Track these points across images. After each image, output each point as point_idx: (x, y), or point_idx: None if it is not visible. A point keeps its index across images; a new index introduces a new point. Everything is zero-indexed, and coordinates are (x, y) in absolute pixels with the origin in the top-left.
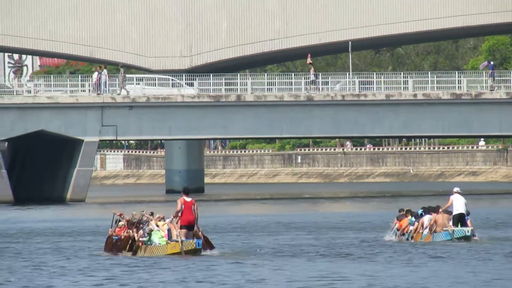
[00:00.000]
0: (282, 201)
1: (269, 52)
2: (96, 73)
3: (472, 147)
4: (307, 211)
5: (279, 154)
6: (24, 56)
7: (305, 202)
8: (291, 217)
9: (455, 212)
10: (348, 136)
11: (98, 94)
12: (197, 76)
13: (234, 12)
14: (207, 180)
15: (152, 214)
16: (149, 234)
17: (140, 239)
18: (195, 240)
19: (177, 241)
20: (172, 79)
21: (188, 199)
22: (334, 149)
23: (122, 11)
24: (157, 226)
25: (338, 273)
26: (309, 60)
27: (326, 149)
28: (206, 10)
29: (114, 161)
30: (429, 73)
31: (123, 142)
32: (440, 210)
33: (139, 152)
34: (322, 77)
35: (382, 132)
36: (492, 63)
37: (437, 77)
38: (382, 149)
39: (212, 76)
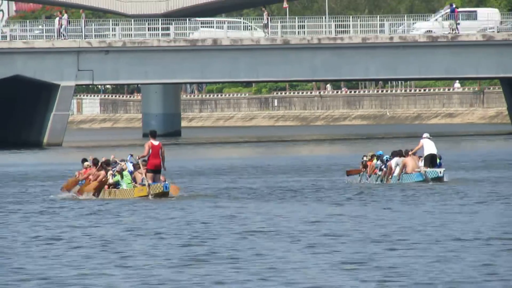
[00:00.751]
0: (258, 144)
1: None
2: (57, 19)
3: (449, 89)
4: (282, 154)
5: (255, 98)
6: None
7: (282, 145)
8: (265, 160)
9: (426, 153)
10: (325, 80)
11: (62, 39)
12: (173, 20)
13: None
14: (183, 123)
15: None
16: (120, 174)
17: (110, 181)
18: (163, 183)
19: (144, 185)
20: (244, 23)
21: (156, 143)
22: (311, 92)
23: None
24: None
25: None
26: (285, 4)
27: (302, 93)
28: None
29: (91, 106)
30: (405, 16)
31: (99, 86)
32: (410, 153)
33: (115, 96)
34: (298, 21)
35: (359, 75)
36: (454, 6)
37: (413, 20)
38: (359, 92)
39: (188, 20)
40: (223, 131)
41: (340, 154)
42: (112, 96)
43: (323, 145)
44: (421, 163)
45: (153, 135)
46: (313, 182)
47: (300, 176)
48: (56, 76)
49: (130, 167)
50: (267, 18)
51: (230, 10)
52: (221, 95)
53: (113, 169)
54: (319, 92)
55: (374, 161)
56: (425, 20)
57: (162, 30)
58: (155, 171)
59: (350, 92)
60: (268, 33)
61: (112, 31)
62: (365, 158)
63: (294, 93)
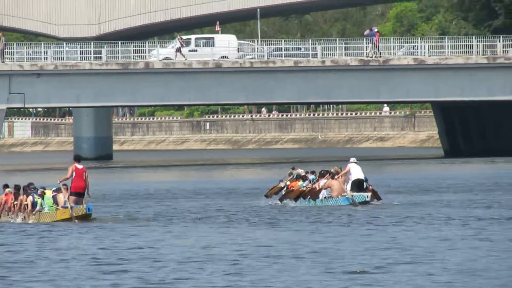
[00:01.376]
0: (190, 168)
1: (177, 20)
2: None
3: (380, 113)
4: (211, 178)
5: (187, 121)
6: None
7: (213, 168)
8: (192, 184)
9: (353, 177)
10: (257, 103)
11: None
12: (105, 43)
13: None
14: (115, 147)
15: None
16: (42, 197)
17: (35, 209)
18: (86, 205)
19: (67, 207)
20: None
21: (80, 166)
22: (243, 116)
23: None
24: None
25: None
26: (217, 27)
27: (234, 116)
28: None
29: (22, 129)
30: (337, 39)
31: (31, 109)
32: (336, 177)
33: (47, 119)
34: (229, 44)
35: (291, 99)
36: (375, 29)
37: (345, 44)
38: (290, 115)
39: (121, 43)
40: (155, 155)
41: (268, 177)
42: (43, 119)
43: (253, 168)
44: (348, 187)
45: (77, 159)
46: (231, 205)
47: (212, 199)
48: None
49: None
50: (181, 43)
51: (163, 33)
52: (153, 118)
53: (33, 193)
54: (251, 116)
55: (300, 182)
56: (357, 43)
57: (94, 53)
58: (79, 193)
59: (282, 115)
60: (185, 57)
61: (44, 54)
62: (290, 177)
63: (226, 116)
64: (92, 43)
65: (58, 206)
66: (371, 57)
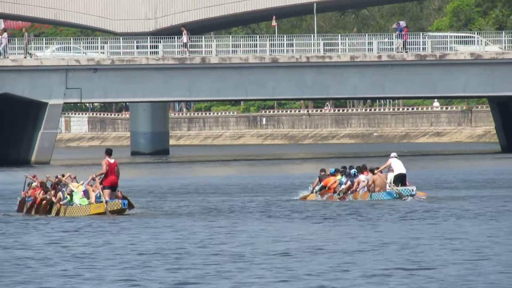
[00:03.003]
0: (246, 163)
1: (234, 14)
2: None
3: (431, 108)
4: (268, 173)
5: (244, 116)
6: None
7: (269, 163)
8: (251, 179)
9: (396, 172)
10: (313, 98)
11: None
12: (162, 38)
13: None
14: (172, 142)
15: (63, 175)
16: (70, 195)
17: (61, 202)
18: (121, 200)
19: (101, 202)
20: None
21: (111, 161)
22: (299, 111)
23: None
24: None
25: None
26: (273, 22)
27: (291, 111)
28: None
29: (79, 124)
30: (394, 34)
31: (87, 104)
32: (376, 171)
33: (103, 114)
34: (287, 39)
35: (347, 94)
36: (403, 24)
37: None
38: (347, 110)
39: (177, 38)
40: (211, 150)
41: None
42: (100, 114)
43: (310, 163)
44: (388, 181)
45: (109, 153)
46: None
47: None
48: (44, 94)
49: (72, 187)
50: (187, 38)
51: (219, 28)
52: (210, 114)
53: (63, 189)
54: (307, 111)
55: (338, 176)
56: (414, 38)
57: (150, 48)
58: (112, 187)
59: (338, 110)
60: (188, 53)
61: (101, 49)
62: (322, 173)
63: (282, 111)
64: (148, 38)
65: (90, 199)
66: (398, 52)
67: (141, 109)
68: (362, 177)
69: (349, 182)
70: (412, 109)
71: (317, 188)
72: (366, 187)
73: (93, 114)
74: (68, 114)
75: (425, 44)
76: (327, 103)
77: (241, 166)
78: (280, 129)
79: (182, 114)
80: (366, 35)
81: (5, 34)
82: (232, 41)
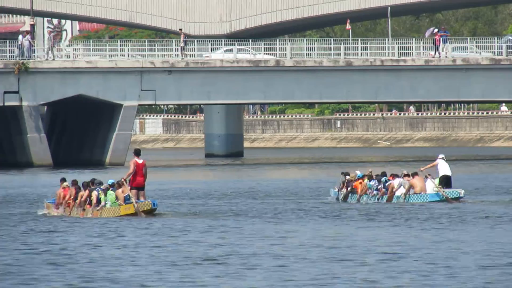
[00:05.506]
0: (320, 165)
1: (308, 18)
2: (20, 36)
3: (506, 112)
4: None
5: (318, 119)
6: (63, 21)
7: (344, 166)
8: (318, 182)
9: (441, 173)
10: (387, 102)
11: (23, 58)
12: (236, 41)
13: None
14: (246, 144)
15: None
16: (105, 193)
17: (95, 200)
18: (151, 200)
19: (131, 202)
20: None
21: (140, 161)
22: (374, 114)
23: None
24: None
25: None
26: (348, 26)
27: (365, 114)
28: None
29: (153, 125)
30: (469, 38)
31: (162, 106)
32: (422, 168)
33: (178, 116)
34: (361, 43)
35: (421, 97)
36: (435, 30)
37: (476, 43)
38: (422, 114)
39: (251, 41)
40: (286, 152)
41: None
42: (174, 116)
43: (383, 167)
44: (431, 183)
45: (138, 153)
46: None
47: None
48: (119, 96)
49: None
50: (183, 41)
51: (293, 31)
52: (284, 116)
53: (97, 188)
54: (382, 114)
55: (366, 180)
56: (488, 42)
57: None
58: (139, 188)
59: (413, 114)
60: (183, 56)
61: (175, 51)
62: (347, 177)
63: (356, 114)
64: (223, 40)
65: (119, 201)
66: (433, 57)
67: (216, 111)
68: (396, 182)
69: (382, 188)
70: (487, 113)
71: (344, 191)
72: (404, 191)
73: (167, 116)
74: (143, 116)
75: (500, 48)
76: (410, 106)
77: (315, 169)
78: (354, 132)
79: (257, 116)
80: (441, 39)
81: (29, 36)
82: (306, 44)
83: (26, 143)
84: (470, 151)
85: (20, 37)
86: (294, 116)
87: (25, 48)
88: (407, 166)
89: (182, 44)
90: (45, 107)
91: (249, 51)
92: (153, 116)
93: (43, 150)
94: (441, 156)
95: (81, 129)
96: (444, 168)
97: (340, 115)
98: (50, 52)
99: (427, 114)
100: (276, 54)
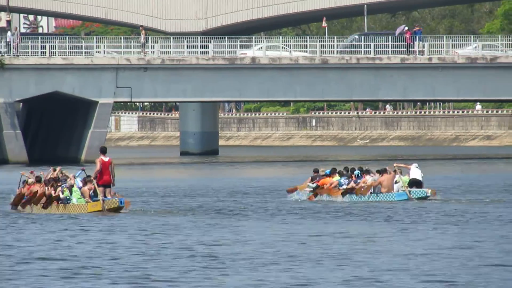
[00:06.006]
0: (295, 164)
1: (284, 15)
2: (9, 32)
3: (487, 111)
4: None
5: (293, 117)
6: (39, 17)
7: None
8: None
9: (412, 176)
10: (362, 100)
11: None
12: (212, 38)
13: None
14: (221, 142)
15: (54, 170)
16: (70, 189)
17: (61, 195)
18: (118, 198)
19: (97, 200)
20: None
21: (106, 159)
22: (349, 113)
23: None
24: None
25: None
26: (324, 23)
27: (340, 113)
28: None
29: (129, 123)
30: (445, 36)
31: (137, 104)
32: (395, 164)
33: (153, 114)
34: (337, 40)
35: (397, 96)
36: (406, 28)
37: (452, 41)
38: (397, 112)
39: (227, 38)
40: (261, 151)
41: None
42: (150, 113)
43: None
44: (399, 183)
45: (103, 151)
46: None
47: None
48: (95, 93)
49: (78, 183)
50: (144, 38)
51: (269, 29)
52: (259, 114)
53: (63, 185)
54: (357, 113)
55: (336, 177)
56: (464, 41)
57: (200, 48)
58: (106, 185)
59: (389, 112)
60: (144, 53)
61: (151, 48)
62: (315, 174)
63: (332, 113)
64: (198, 37)
65: (86, 198)
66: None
67: (191, 109)
68: (368, 178)
69: (352, 183)
70: (462, 112)
71: (311, 185)
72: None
73: (143, 113)
74: (118, 113)
75: (476, 48)
76: (387, 105)
77: (290, 167)
78: (329, 131)
79: (232, 114)
80: (417, 37)
81: (17, 32)
82: (282, 42)
83: (1, 140)
84: (445, 150)
85: (8, 33)
86: (269, 114)
87: (14, 44)
88: (383, 165)
89: (143, 41)
90: (21, 104)
91: (285, 48)
92: (129, 113)
93: (18, 147)
94: (415, 165)
95: (57, 126)
96: (415, 173)
97: (315, 113)
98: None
99: (402, 113)
100: (251, 51)
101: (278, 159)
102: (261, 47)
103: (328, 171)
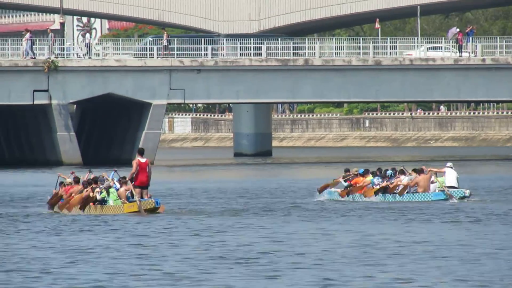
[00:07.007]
0: (349, 165)
1: (337, 16)
2: (87, 35)
3: None
4: None
5: (347, 118)
6: (92, 19)
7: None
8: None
9: (448, 184)
10: (416, 101)
11: (30, 58)
12: (265, 40)
13: None
14: (275, 143)
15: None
16: (107, 191)
17: (98, 196)
18: (154, 199)
19: (134, 201)
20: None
21: (143, 160)
22: (402, 114)
23: None
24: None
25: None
26: (377, 25)
27: (394, 114)
28: None
29: (182, 124)
30: (498, 38)
31: (191, 105)
32: (429, 169)
33: (207, 115)
34: (390, 42)
35: (450, 97)
36: (457, 30)
37: (506, 42)
38: (451, 113)
39: (280, 40)
40: (314, 152)
41: None
42: (203, 115)
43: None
44: (436, 183)
45: (141, 152)
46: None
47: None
48: (148, 95)
49: (116, 184)
50: (167, 40)
51: (322, 30)
52: (312, 115)
53: (101, 186)
54: (411, 113)
55: (369, 177)
56: None
57: (253, 49)
58: (142, 187)
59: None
60: (163, 55)
61: (204, 50)
62: (348, 173)
63: (385, 114)
64: (252, 39)
65: (122, 199)
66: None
67: (245, 110)
68: (403, 178)
69: (385, 182)
70: None
71: (344, 183)
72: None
73: (196, 115)
74: (172, 114)
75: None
76: (441, 106)
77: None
78: (383, 132)
79: (285, 115)
80: (470, 38)
81: (28, 35)
82: (335, 43)
83: (55, 142)
84: (499, 151)
85: (87, 35)
86: (322, 116)
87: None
88: (435, 166)
89: (165, 43)
90: (75, 106)
91: (448, 48)
92: (182, 115)
93: (72, 149)
94: (449, 164)
95: (110, 128)
96: (450, 178)
97: (368, 114)
98: (87, 52)
99: (456, 113)
100: (305, 53)
101: (332, 160)
102: (425, 48)
103: (361, 170)
